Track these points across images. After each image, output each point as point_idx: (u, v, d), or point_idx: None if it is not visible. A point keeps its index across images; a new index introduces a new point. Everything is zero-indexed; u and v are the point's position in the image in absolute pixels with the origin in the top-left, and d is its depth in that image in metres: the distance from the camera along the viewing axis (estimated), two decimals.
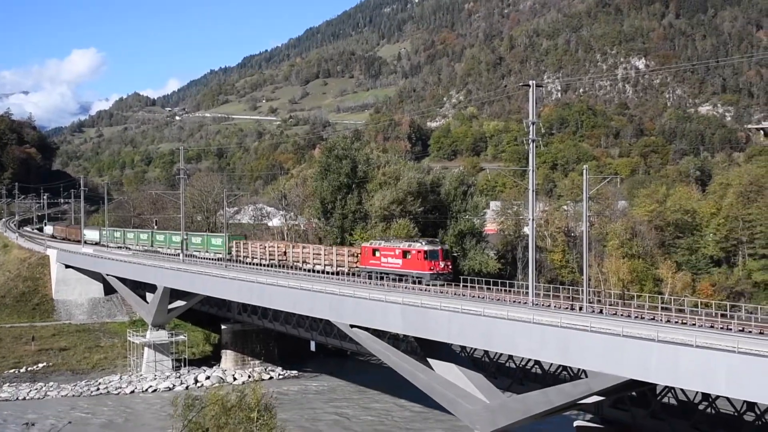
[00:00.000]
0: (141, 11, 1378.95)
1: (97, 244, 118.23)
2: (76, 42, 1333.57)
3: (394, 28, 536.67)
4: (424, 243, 63.17)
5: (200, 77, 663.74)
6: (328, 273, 71.03)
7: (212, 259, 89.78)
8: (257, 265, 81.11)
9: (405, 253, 62.19)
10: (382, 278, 64.48)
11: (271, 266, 78.85)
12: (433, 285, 57.83)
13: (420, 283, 58.78)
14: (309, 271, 73.34)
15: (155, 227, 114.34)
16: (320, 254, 73.65)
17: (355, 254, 69.78)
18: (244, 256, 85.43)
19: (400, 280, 61.08)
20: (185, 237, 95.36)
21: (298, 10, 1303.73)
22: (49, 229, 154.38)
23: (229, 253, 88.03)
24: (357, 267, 68.23)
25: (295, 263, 76.64)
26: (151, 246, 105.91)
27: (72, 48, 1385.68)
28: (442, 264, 60.88)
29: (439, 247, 62.56)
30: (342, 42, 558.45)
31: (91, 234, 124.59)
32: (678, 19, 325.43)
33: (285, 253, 79.27)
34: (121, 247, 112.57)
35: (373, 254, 66.00)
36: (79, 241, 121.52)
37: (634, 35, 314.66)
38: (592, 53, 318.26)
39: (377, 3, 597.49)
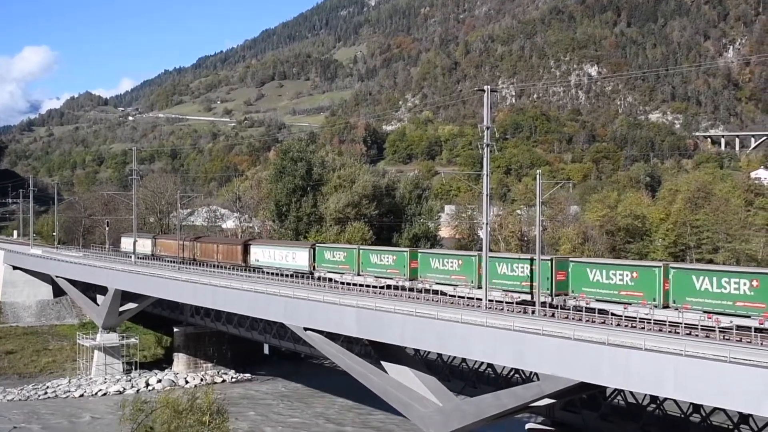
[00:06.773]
0: (96, 10, 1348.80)
1: (309, 275, 66.51)
2: (28, 39, 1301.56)
3: (351, 31, 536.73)
4: None
5: (154, 77, 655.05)
6: None
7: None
8: None
9: None
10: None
11: None
12: None
13: None
14: None
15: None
16: None
17: None
18: None
19: None
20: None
21: (254, 11, 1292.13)
22: (139, 243, 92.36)
23: None
24: None
25: None
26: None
27: (23, 45, 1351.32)
28: None
29: None
30: (298, 44, 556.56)
31: (273, 254, 73.16)
32: (629, 28, 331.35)
33: None
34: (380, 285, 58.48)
35: None
36: (244, 266, 74.98)
37: (586, 43, 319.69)
38: (545, 59, 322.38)
39: (333, 6, 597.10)
